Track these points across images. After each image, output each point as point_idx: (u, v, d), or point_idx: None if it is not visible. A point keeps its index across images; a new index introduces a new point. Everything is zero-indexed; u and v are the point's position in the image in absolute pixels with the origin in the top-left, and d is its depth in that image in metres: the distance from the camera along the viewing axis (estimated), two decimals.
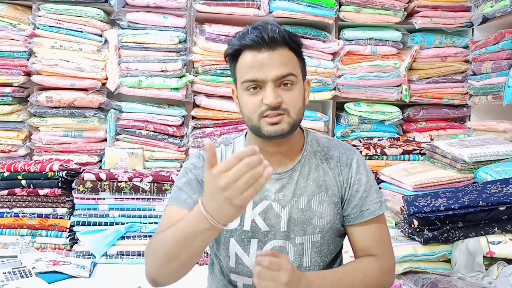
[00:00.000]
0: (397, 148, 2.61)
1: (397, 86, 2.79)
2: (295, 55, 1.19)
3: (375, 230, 1.25)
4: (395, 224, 2.02)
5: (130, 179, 2.25)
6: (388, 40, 2.78)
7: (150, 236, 2.23)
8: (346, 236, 1.34)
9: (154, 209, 2.26)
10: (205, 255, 2.12)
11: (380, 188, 2.24)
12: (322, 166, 1.26)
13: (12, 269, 1.88)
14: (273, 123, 1.15)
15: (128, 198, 2.26)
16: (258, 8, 2.67)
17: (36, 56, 2.59)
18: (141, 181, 2.25)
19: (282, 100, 1.14)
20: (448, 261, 1.83)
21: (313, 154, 1.28)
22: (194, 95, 2.73)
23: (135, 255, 2.22)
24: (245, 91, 1.18)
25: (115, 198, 2.26)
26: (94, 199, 2.25)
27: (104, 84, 2.66)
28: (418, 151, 2.60)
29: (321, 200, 1.24)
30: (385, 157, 2.59)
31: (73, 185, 2.25)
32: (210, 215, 0.93)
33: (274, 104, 1.13)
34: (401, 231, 1.95)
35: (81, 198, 2.25)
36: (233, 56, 1.20)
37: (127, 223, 2.24)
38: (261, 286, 1.03)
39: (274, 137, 1.17)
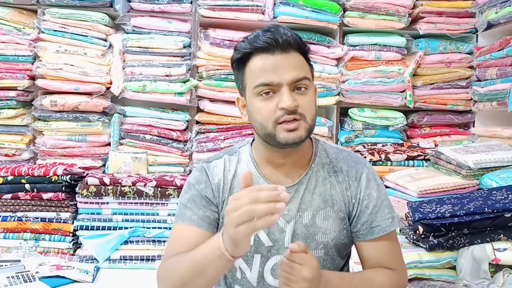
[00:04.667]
0: (401, 154, 2.60)
1: (401, 91, 2.79)
2: (306, 60, 1.16)
3: (387, 246, 1.20)
4: (400, 230, 2.01)
5: (133, 184, 2.25)
6: (392, 46, 2.77)
7: (153, 241, 2.23)
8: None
9: (157, 214, 2.25)
10: None
11: None
12: (330, 180, 1.21)
13: (16, 273, 1.88)
14: (291, 130, 1.09)
15: (132, 203, 2.25)
16: (263, 13, 2.68)
17: (40, 60, 2.60)
18: (144, 185, 2.25)
19: (298, 104, 1.09)
20: (454, 268, 1.82)
21: (321, 166, 1.23)
22: (198, 100, 2.73)
23: (138, 260, 2.20)
24: (257, 97, 1.12)
25: (118, 203, 2.25)
26: (97, 203, 2.24)
27: (108, 88, 2.66)
28: (422, 157, 2.60)
29: (326, 216, 1.19)
30: (389, 162, 2.59)
31: (76, 189, 2.25)
32: (222, 239, 0.97)
33: (291, 108, 1.08)
34: (406, 237, 1.94)
35: (85, 203, 2.24)
36: (241, 61, 1.15)
37: (130, 227, 2.23)
38: (283, 279, 1.01)
39: (291, 145, 1.11)
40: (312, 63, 1.20)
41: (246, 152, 1.26)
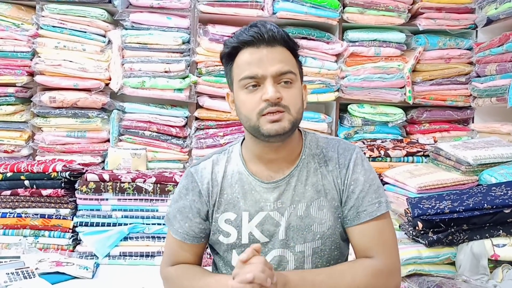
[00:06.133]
0: (400, 150, 2.60)
1: (400, 87, 2.79)
2: (293, 56, 1.18)
3: (374, 231, 1.18)
4: (399, 226, 2.02)
5: (133, 180, 2.25)
6: (392, 42, 2.77)
7: (153, 237, 2.23)
8: None
9: (157, 210, 2.26)
10: (208, 256, 2.11)
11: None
12: (321, 170, 1.22)
13: (15, 269, 1.89)
14: (274, 121, 1.11)
15: (131, 199, 2.25)
16: (262, 9, 2.67)
17: (39, 56, 2.59)
18: (144, 182, 2.25)
19: (281, 96, 1.11)
20: (453, 263, 1.83)
21: (311, 157, 1.24)
22: (197, 96, 2.72)
23: (138, 256, 2.21)
24: (242, 90, 1.15)
25: (118, 199, 2.25)
26: (97, 199, 2.25)
27: (107, 84, 2.65)
28: (421, 153, 2.60)
29: (320, 206, 1.20)
30: (388, 159, 2.59)
31: (76, 185, 2.25)
32: None
33: (274, 99, 1.10)
34: (405, 233, 1.95)
35: (84, 199, 2.25)
36: (229, 56, 1.18)
37: (130, 224, 2.24)
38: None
39: (274, 137, 1.13)
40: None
41: (236, 151, 1.28)
